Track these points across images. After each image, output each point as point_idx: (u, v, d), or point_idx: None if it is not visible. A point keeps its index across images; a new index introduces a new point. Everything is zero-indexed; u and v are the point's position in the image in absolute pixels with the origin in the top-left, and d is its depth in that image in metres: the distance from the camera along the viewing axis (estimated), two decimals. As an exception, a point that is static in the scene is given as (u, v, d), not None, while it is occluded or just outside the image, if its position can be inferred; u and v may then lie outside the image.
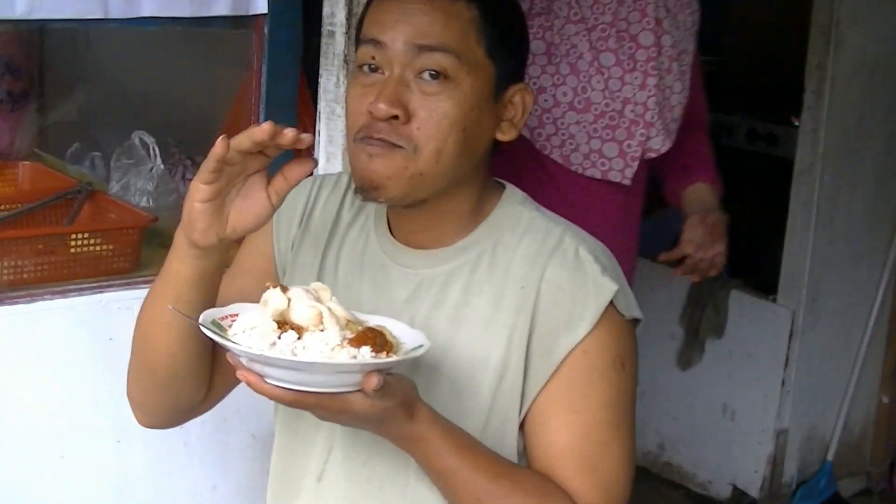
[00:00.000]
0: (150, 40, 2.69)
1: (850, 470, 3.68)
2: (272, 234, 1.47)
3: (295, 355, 1.12)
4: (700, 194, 2.41)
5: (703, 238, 2.32)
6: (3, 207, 2.18)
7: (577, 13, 2.22)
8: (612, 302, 1.32)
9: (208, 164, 1.19)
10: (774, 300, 3.45)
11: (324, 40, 2.03)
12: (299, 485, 1.44)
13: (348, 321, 1.18)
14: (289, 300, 1.16)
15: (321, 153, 2.06)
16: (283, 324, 1.15)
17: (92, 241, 2.04)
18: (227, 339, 1.15)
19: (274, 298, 1.16)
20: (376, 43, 1.31)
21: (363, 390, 1.14)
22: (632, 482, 1.35)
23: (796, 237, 3.37)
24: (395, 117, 1.28)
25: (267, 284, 1.18)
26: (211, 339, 1.17)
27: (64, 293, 1.94)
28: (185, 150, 2.64)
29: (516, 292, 1.33)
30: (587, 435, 1.31)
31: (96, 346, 1.92)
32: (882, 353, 3.65)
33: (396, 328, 1.22)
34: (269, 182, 1.24)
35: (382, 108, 1.28)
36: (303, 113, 2.41)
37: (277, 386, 1.13)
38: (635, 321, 1.37)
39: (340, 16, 1.99)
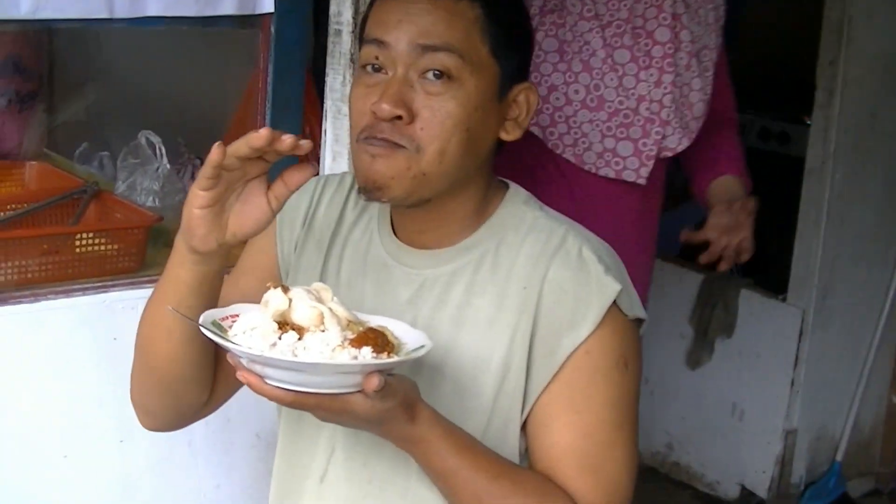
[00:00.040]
0: (156, 40, 2.70)
1: (860, 470, 3.66)
2: (275, 235, 1.47)
3: (295, 356, 1.12)
4: (727, 185, 2.35)
5: (728, 223, 2.26)
6: (9, 207, 2.19)
7: (590, 10, 2.20)
8: (615, 302, 1.31)
9: (206, 171, 1.18)
10: (784, 300, 3.43)
11: (330, 39, 2.03)
12: (302, 486, 1.43)
13: (350, 322, 1.18)
14: (290, 300, 1.16)
15: (327, 152, 2.06)
16: (283, 324, 1.14)
17: (97, 241, 2.04)
18: (227, 340, 1.15)
19: (275, 299, 1.16)
20: (380, 43, 1.30)
21: (364, 391, 1.13)
22: (634, 483, 1.34)
23: (807, 236, 3.35)
24: (399, 118, 1.27)
25: (268, 285, 1.18)
26: (212, 341, 1.16)
27: (68, 293, 1.94)
28: (193, 150, 2.64)
29: (519, 292, 1.32)
30: (590, 435, 1.30)
31: (100, 345, 1.92)
32: (892, 353, 3.63)
33: (398, 329, 1.21)
34: (269, 187, 1.23)
35: (386, 108, 1.27)
36: (309, 112, 2.40)
37: (278, 387, 1.13)
38: (639, 321, 1.36)
39: (347, 14, 1.99)
